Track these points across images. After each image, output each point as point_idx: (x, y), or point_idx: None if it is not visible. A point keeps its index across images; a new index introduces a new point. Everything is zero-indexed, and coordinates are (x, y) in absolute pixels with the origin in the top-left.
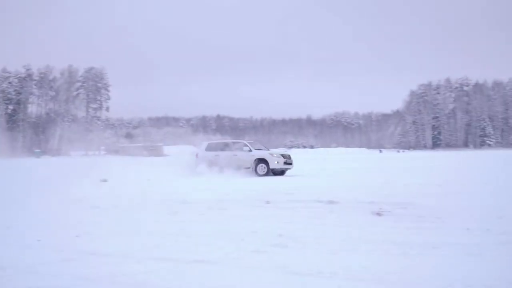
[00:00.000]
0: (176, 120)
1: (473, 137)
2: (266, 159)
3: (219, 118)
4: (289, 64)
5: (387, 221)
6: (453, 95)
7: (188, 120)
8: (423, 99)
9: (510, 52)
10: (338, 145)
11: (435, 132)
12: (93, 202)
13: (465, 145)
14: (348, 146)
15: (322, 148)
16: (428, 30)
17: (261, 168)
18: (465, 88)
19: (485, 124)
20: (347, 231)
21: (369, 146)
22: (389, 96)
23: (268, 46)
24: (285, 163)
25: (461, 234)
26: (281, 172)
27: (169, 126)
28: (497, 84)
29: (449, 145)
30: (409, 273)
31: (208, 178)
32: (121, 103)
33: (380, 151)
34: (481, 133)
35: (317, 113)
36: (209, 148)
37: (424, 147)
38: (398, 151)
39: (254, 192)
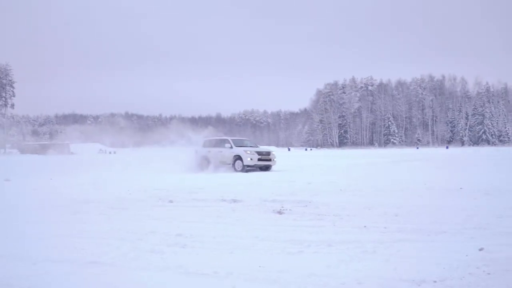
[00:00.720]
0: (83, 117)
1: (378, 135)
2: (241, 156)
3: (127, 115)
4: (198, 63)
5: (287, 219)
6: (358, 94)
7: (95, 118)
8: (329, 98)
9: (414, 53)
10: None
11: (342, 131)
12: None
13: (371, 143)
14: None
15: None
16: (334, 30)
17: (238, 164)
18: (370, 87)
19: (389, 123)
20: (247, 230)
21: (278, 144)
22: (297, 95)
23: (178, 45)
24: (260, 160)
25: (358, 232)
26: (266, 168)
27: (76, 124)
28: (401, 84)
29: (355, 144)
30: (303, 272)
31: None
32: (27, 100)
33: (289, 149)
34: (386, 131)
35: (227, 112)
36: (205, 145)
37: (331, 145)
38: (306, 149)
39: (159, 190)
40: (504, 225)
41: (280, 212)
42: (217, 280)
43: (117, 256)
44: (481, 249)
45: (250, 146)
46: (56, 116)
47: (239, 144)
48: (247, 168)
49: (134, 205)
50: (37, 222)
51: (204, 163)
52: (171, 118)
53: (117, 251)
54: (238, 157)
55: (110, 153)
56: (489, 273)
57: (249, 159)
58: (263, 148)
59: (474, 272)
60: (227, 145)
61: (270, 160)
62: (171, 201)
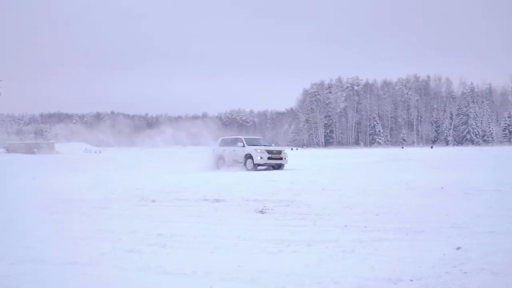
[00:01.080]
0: (69, 116)
1: (364, 135)
2: (252, 154)
3: (113, 114)
4: (186, 63)
5: (269, 218)
6: (344, 94)
7: (81, 117)
8: (315, 98)
9: (399, 53)
10: None
11: (328, 130)
12: None
13: (356, 143)
14: None
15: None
16: (321, 30)
17: (249, 163)
18: (355, 87)
19: (375, 122)
20: (229, 230)
21: None
22: (284, 95)
23: (166, 44)
24: (270, 158)
25: (339, 232)
26: (278, 167)
27: (61, 123)
28: (386, 84)
29: (341, 143)
30: (282, 271)
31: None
32: (12, 98)
33: None
34: (371, 131)
35: (213, 111)
36: (221, 144)
37: (317, 145)
38: (292, 149)
39: (141, 190)
40: (482, 224)
41: (262, 212)
42: (195, 279)
43: (96, 256)
44: (458, 248)
45: (264, 145)
46: (41, 115)
47: (252, 143)
48: (258, 167)
49: (116, 205)
50: (17, 222)
51: (220, 161)
52: (157, 117)
53: (97, 251)
54: (249, 156)
55: (95, 152)
56: (465, 272)
57: (259, 157)
58: (275, 147)
59: (451, 271)
60: (240, 144)
61: (281, 158)
62: (153, 201)
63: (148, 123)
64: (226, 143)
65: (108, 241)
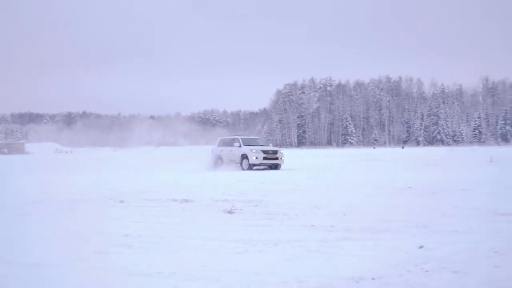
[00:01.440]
0: (40, 116)
1: (336, 135)
2: (247, 154)
3: (85, 114)
4: (157, 62)
5: (237, 218)
6: (317, 95)
7: (52, 117)
8: (288, 98)
9: (372, 55)
10: (207, 142)
11: (300, 131)
12: None
13: (329, 143)
14: None
15: (191, 146)
16: (297, 30)
17: (245, 163)
18: (328, 88)
19: (347, 123)
20: (197, 230)
21: None
22: (257, 95)
23: (137, 43)
24: (265, 158)
25: (306, 231)
26: (275, 167)
27: (32, 123)
28: (359, 85)
29: (313, 143)
30: (247, 271)
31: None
32: None
33: None
34: (344, 131)
35: (186, 111)
36: (220, 144)
37: (290, 145)
38: None
39: (110, 191)
40: (446, 223)
41: (230, 212)
42: (159, 280)
43: (61, 258)
44: (421, 247)
45: (261, 145)
46: (12, 115)
47: (249, 143)
48: (254, 167)
49: (84, 206)
50: None
51: (218, 161)
52: (130, 117)
53: (61, 253)
54: (245, 156)
55: (66, 152)
56: (427, 271)
57: (254, 157)
58: (272, 147)
59: (412, 270)
60: (236, 144)
61: (277, 158)
62: (121, 201)
63: (120, 123)
64: (224, 143)
65: (74, 242)
